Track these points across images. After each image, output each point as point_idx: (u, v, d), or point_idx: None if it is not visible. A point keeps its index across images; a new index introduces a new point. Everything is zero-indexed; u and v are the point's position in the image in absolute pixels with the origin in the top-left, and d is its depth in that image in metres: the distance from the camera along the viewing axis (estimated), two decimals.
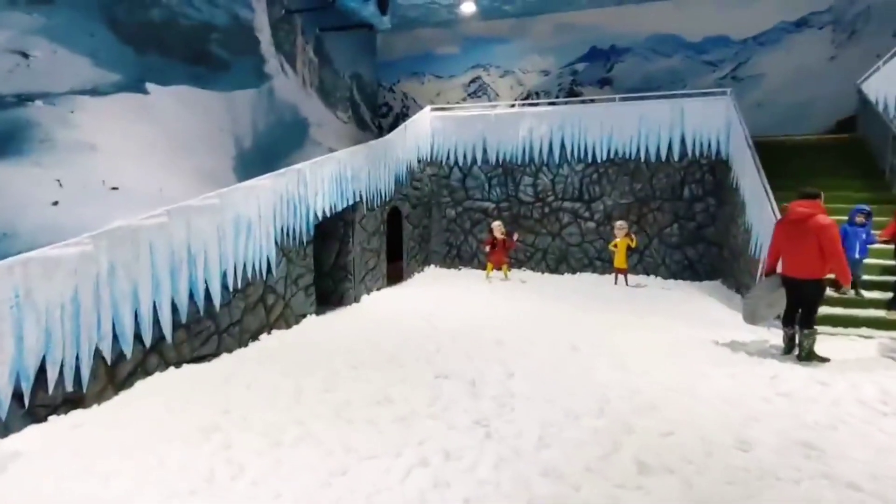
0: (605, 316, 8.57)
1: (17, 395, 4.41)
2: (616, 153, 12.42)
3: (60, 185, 7.58)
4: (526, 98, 15.44)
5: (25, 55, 7.62)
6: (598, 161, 12.59)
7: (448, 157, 13.66)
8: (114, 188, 8.32)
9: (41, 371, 4.56)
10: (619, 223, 11.43)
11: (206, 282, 6.37)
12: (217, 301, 6.57)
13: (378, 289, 10.97)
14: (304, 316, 8.45)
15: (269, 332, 7.54)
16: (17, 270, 4.36)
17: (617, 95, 13.08)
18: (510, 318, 8.49)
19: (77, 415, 4.76)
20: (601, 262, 12.60)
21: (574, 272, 12.85)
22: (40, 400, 4.59)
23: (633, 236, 11.26)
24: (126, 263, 5.33)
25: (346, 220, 9.88)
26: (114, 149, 8.47)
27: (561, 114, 12.87)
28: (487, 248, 12.09)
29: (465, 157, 13.56)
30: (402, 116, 16.41)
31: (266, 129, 12.08)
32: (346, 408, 4.93)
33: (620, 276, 11.44)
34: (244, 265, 7.04)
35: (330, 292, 9.86)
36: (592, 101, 13.65)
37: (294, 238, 8.11)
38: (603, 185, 12.66)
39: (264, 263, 7.44)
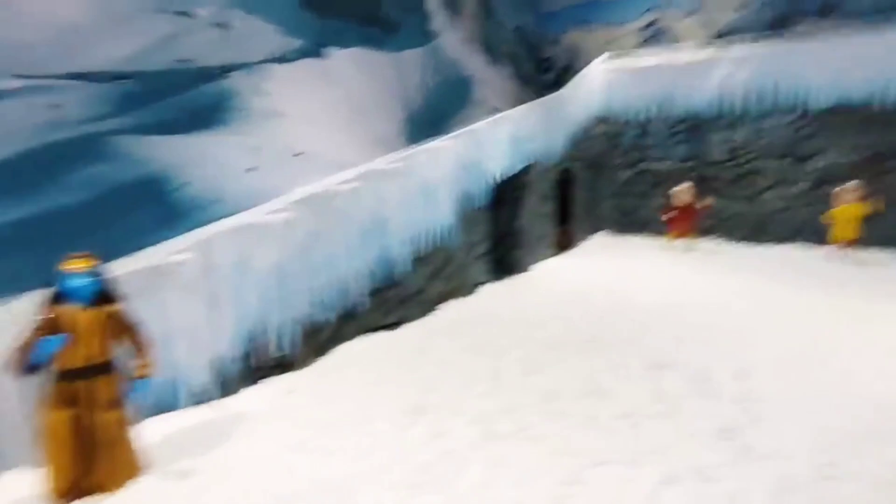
0: (836, 300, 7.01)
1: (238, 358, 4.52)
2: (842, 100, 10.14)
3: (255, 151, 7.93)
4: (718, 38, 13.31)
5: (226, 27, 7.97)
6: (815, 111, 10.41)
7: (623, 113, 12.31)
8: (298, 154, 8.57)
9: (256, 336, 4.64)
10: (849, 184, 9.34)
11: (393, 249, 6.20)
12: (403, 268, 6.39)
13: (547, 257, 10.30)
14: (479, 285, 8.10)
15: (448, 302, 7.29)
16: (237, 237, 4.40)
17: (845, 27, 10.62)
18: (714, 296, 7.32)
19: (287, 379, 4.83)
20: (811, 232, 10.56)
21: (776, 242, 10.96)
22: (257, 362, 4.70)
23: (874, 200, 9.04)
24: (325, 230, 5.25)
25: (518, 184, 9.26)
26: (298, 115, 8.68)
27: (765, 56, 10.81)
28: (670, 214, 10.74)
29: (643, 111, 12.10)
30: (568, 70, 15.18)
31: (431, 90, 11.80)
32: (556, 398, 4.38)
33: (841, 250, 9.42)
34: (427, 232, 6.78)
35: (499, 261, 9.40)
36: (810, 36, 11.26)
37: (472, 203, 7.70)
38: (819, 139, 10.48)
39: (445, 230, 7.13)
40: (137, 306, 3.32)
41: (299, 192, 5.40)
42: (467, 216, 7.62)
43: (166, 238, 5.69)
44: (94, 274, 2.91)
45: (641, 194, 12.45)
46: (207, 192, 7.02)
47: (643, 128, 12.18)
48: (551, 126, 9.90)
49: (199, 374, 4.15)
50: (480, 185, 7.82)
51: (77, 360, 2.89)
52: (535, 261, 9.81)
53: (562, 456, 3.53)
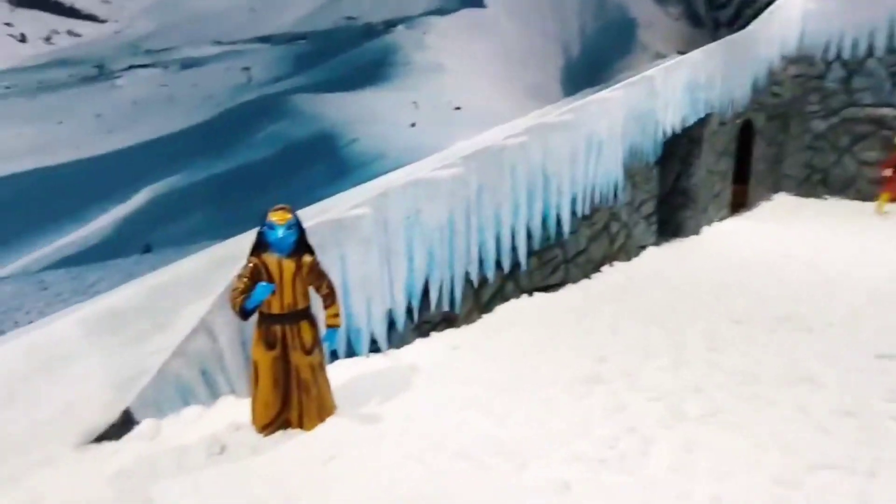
0: None
1: (408, 311, 4.63)
2: None
3: (416, 106, 7.98)
4: None
5: None
6: None
7: (825, 50, 10.37)
8: (457, 108, 8.47)
9: (424, 290, 4.70)
10: None
11: (557, 207, 5.88)
12: (566, 228, 6.06)
13: (721, 219, 9.22)
14: (643, 248, 7.49)
15: (610, 264, 6.84)
16: (409, 193, 4.42)
17: None
18: None
19: (452, 335, 4.86)
20: None
21: None
22: (424, 317, 4.77)
23: None
24: (491, 186, 5.10)
25: (693, 137, 8.28)
26: (457, 68, 8.55)
27: None
28: (887, 173, 8.95)
29: (853, 46, 10.08)
30: (748, 5, 13.15)
31: (592, 35, 10.94)
32: (753, 381, 3.85)
33: None
34: (592, 189, 6.33)
35: (665, 221, 8.61)
36: None
37: (640, 158, 7.04)
38: None
39: (611, 187, 6.61)
40: (321, 258, 3.46)
41: (466, 147, 5.28)
42: (635, 172, 6.99)
43: (336, 192, 5.98)
44: (293, 226, 3.05)
45: (839, 148, 10.56)
46: (372, 147, 7.25)
47: (851, 67, 10.17)
48: (733, 71, 8.64)
49: (375, 324, 4.31)
50: (651, 139, 7.10)
51: (279, 305, 3.08)
52: (707, 223, 8.84)
53: (769, 450, 3.07)
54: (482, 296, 5.29)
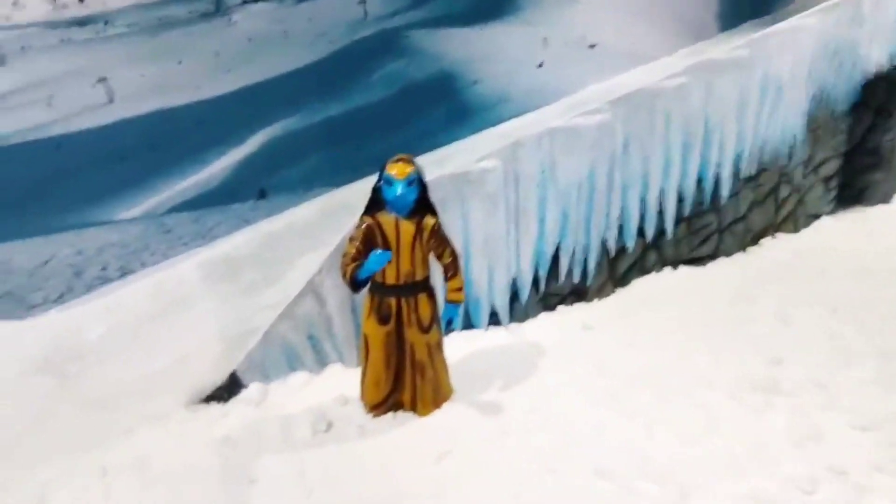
0: None
1: (534, 281, 4.05)
2: None
3: (545, 43, 7.07)
4: None
5: None
6: None
7: None
8: (591, 46, 7.43)
9: (554, 257, 4.07)
10: None
11: (717, 165, 4.88)
12: (725, 190, 5.05)
13: None
14: (816, 217, 6.19)
15: (773, 236, 5.71)
16: (545, 143, 3.74)
17: None
18: None
19: (582, 311, 4.22)
20: None
21: None
22: (551, 288, 4.17)
23: None
24: (641, 137, 4.25)
25: (894, 80, 6.59)
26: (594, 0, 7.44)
27: None
28: None
29: None
30: None
31: None
32: None
33: None
34: (762, 144, 5.20)
35: (846, 185, 7.09)
36: None
37: (828, 106, 5.68)
38: None
39: (786, 142, 5.40)
40: (442, 217, 2.95)
41: (603, 91, 4.42)
42: (819, 124, 5.67)
43: (456, 138, 5.41)
44: (414, 181, 2.53)
45: None
46: (496, 89, 6.53)
47: None
48: None
49: (497, 293, 3.78)
50: (847, 80, 5.68)
51: (395, 275, 2.62)
52: None
53: None
54: (618, 267, 4.56)
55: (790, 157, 5.51)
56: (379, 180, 2.62)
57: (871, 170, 6.97)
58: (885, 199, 6.95)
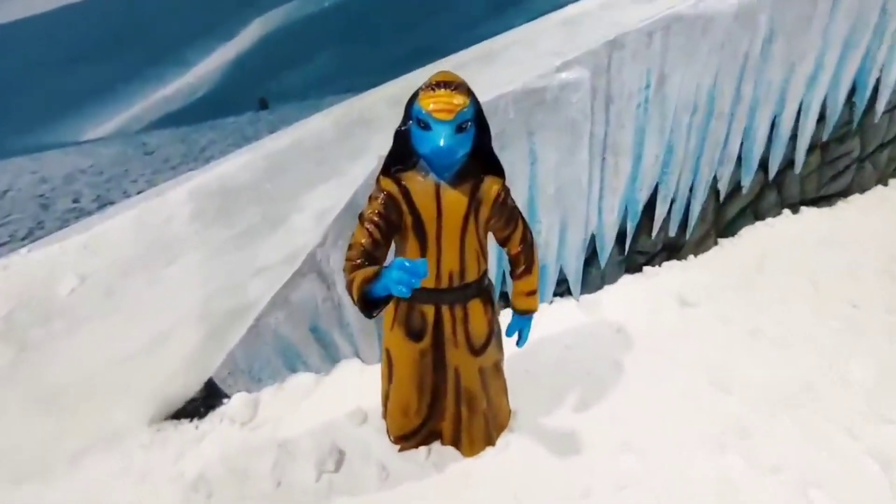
0: None
1: (619, 237, 2.98)
2: None
3: None
4: None
5: None
6: None
7: None
8: None
9: (647, 205, 2.96)
10: None
11: (881, 68, 3.48)
12: (881, 104, 3.69)
13: None
14: None
15: None
16: (657, 42, 2.48)
17: None
18: None
19: (676, 274, 3.18)
20: None
21: None
22: (638, 245, 3.11)
23: None
24: (791, 30, 2.90)
25: None
26: None
27: None
28: None
29: None
30: None
31: None
32: None
33: None
34: None
35: None
36: None
37: None
38: None
39: None
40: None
41: None
42: None
43: (506, 27, 4.08)
44: (469, 121, 1.44)
45: None
46: None
47: None
48: None
49: (569, 256, 2.76)
50: None
51: (434, 273, 1.62)
52: None
53: None
54: (726, 212, 3.42)
55: None
56: (406, 119, 1.54)
57: None
58: None
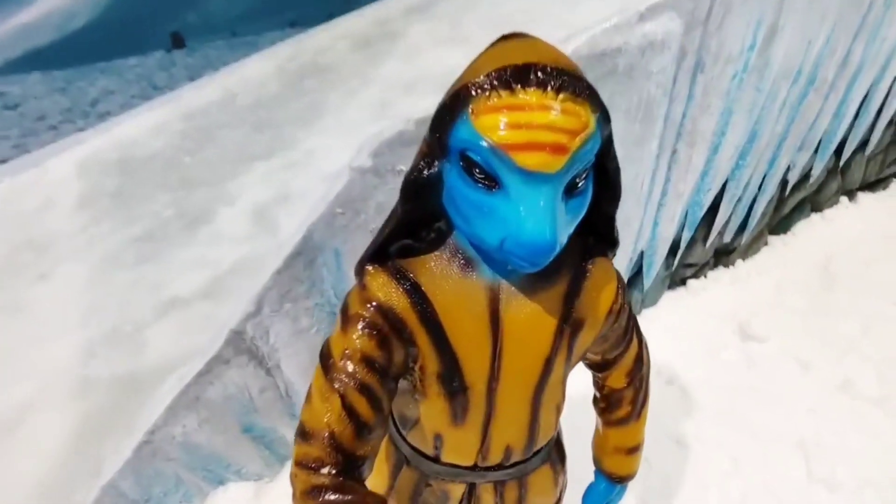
0: None
1: (672, 248, 2.22)
2: None
3: None
4: None
5: None
6: None
7: None
8: None
9: (712, 207, 2.20)
10: None
11: None
12: None
13: None
14: None
15: None
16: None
17: None
18: None
19: (731, 287, 2.48)
20: None
21: None
22: (689, 256, 2.37)
23: None
24: None
25: None
26: None
27: None
28: None
29: None
30: None
31: None
32: None
33: None
34: None
35: None
36: None
37: None
38: None
39: None
40: None
41: None
42: None
43: None
44: (586, 166, 0.61)
45: None
46: None
47: None
48: None
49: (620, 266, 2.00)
50: None
51: (476, 446, 0.82)
52: None
53: None
54: (786, 204, 2.70)
55: None
56: (431, 150, 0.65)
57: None
58: None
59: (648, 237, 2.01)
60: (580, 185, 0.59)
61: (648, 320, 2.27)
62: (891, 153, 3.07)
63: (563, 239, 0.59)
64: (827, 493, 1.71)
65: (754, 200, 2.36)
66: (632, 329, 0.84)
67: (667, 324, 2.26)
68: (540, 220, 0.54)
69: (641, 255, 2.07)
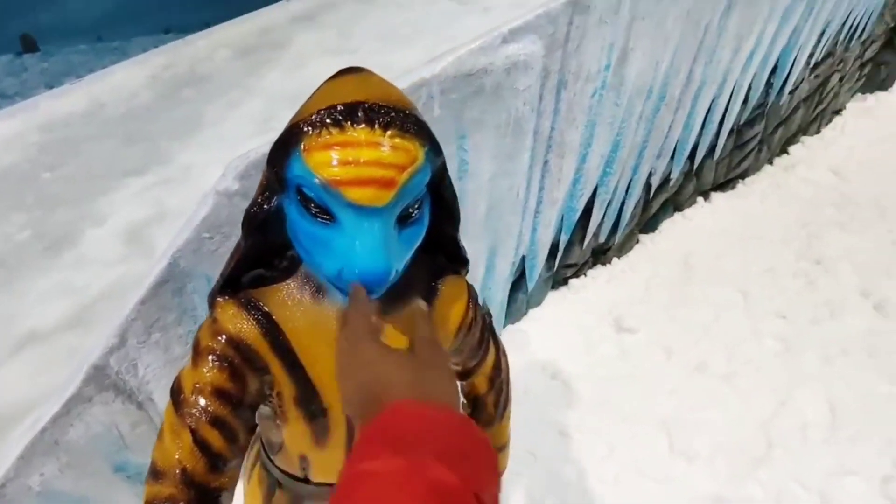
0: None
1: (551, 251, 2.37)
2: None
3: None
4: None
5: None
6: None
7: None
8: None
9: (585, 211, 2.37)
10: None
11: (803, 44, 3.20)
12: (791, 82, 3.45)
13: None
14: (837, 112, 4.91)
15: (796, 142, 4.37)
16: (625, 6, 1.78)
17: None
18: None
19: (607, 283, 2.70)
20: None
21: None
22: (569, 257, 2.54)
23: None
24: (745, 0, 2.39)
25: None
26: None
27: None
28: None
29: None
30: None
31: None
32: None
33: None
34: (847, 15, 3.54)
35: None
36: None
37: None
38: None
39: (869, 11, 3.80)
40: None
41: None
42: None
43: None
44: (418, 196, 0.65)
45: None
46: None
47: None
48: None
49: (496, 287, 2.09)
50: None
51: (331, 462, 0.84)
52: None
53: None
54: (651, 206, 2.99)
55: (862, 34, 3.97)
56: (272, 186, 0.68)
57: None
58: (884, 86, 5.79)
59: (528, 243, 2.14)
60: (414, 214, 0.63)
61: (534, 320, 2.42)
62: (735, 157, 3.49)
63: (397, 266, 0.63)
64: (686, 463, 1.92)
65: (623, 203, 2.58)
66: (487, 339, 0.91)
67: (551, 322, 2.41)
68: (372, 251, 0.58)
69: (524, 259, 2.20)
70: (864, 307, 2.80)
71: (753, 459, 1.99)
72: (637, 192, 2.60)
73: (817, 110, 4.40)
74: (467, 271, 0.85)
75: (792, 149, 4.28)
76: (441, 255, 0.80)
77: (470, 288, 0.84)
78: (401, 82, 1.39)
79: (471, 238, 1.84)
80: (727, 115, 2.97)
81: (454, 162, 1.57)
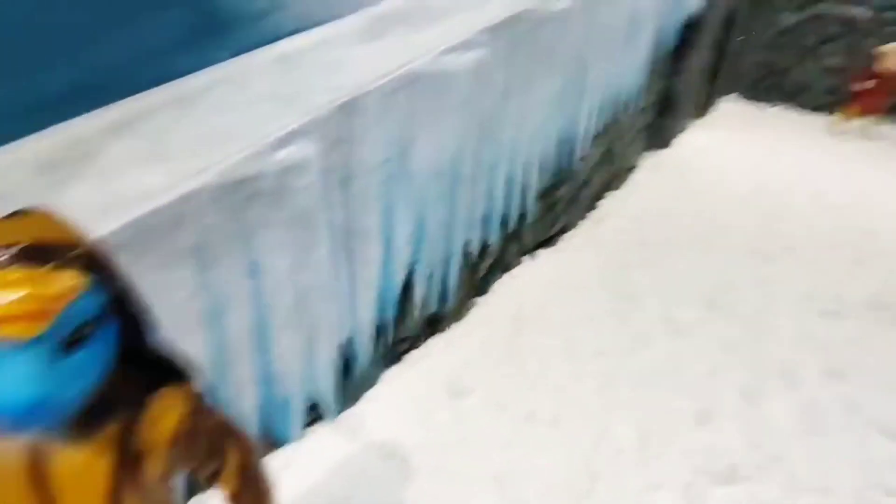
0: None
1: (378, 332, 2.44)
2: None
3: None
4: None
5: None
6: None
7: None
8: None
9: (405, 288, 2.51)
10: None
11: (586, 118, 3.77)
12: (579, 150, 4.02)
13: (686, 129, 7.75)
14: (630, 170, 5.76)
15: (603, 196, 5.04)
16: (400, 102, 2.01)
17: None
18: None
19: (442, 351, 2.82)
20: None
21: None
22: (400, 333, 2.64)
23: None
24: (522, 86, 2.80)
25: (696, 23, 6.36)
26: None
27: None
28: (865, 84, 7.92)
29: None
30: None
31: None
32: None
33: None
34: (615, 90, 4.25)
35: (652, 134, 6.87)
36: None
37: (662, 49, 5.02)
38: None
39: (633, 88, 4.58)
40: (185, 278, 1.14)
41: (484, 16, 2.76)
42: (654, 68, 5.00)
43: (203, 64, 3.24)
44: (85, 320, 0.68)
45: (804, 49, 9.38)
46: None
47: None
48: None
49: (319, 376, 2.11)
50: (678, 15, 5.05)
51: None
52: (681, 131, 7.30)
53: None
54: (479, 271, 3.23)
55: (635, 103, 4.77)
56: None
57: (665, 115, 6.85)
58: (667, 145, 6.92)
59: (349, 326, 2.20)
60: (87, 334, 0.66)
61: (370, 400, 2.44)
62: (548, 218, 3.93)
63: (64, 393, 0.65)
64: None
65: (446, 274, 2.77)
66: (222, 445, 0.92)
67: (387, 400, 2.45)
68: (14, 386, 0.59)
69: (348, 342, 2.25)
70: (667, 332, 3.22)
71: (579, 495, 2.13)
72: (456, 262, 2.81)
73: (611, 170, 5.11)
74: (191, 379, 0.87)
75: (600, 203, 4.90)
76: (158, 367, 0.83)
77: (192, 397, 0.86)
78: (165, 197, 1.43)
79: (281, 333, 1.86)
80: (527, 185, 3.37)
81: (243, 262, 1.62)
